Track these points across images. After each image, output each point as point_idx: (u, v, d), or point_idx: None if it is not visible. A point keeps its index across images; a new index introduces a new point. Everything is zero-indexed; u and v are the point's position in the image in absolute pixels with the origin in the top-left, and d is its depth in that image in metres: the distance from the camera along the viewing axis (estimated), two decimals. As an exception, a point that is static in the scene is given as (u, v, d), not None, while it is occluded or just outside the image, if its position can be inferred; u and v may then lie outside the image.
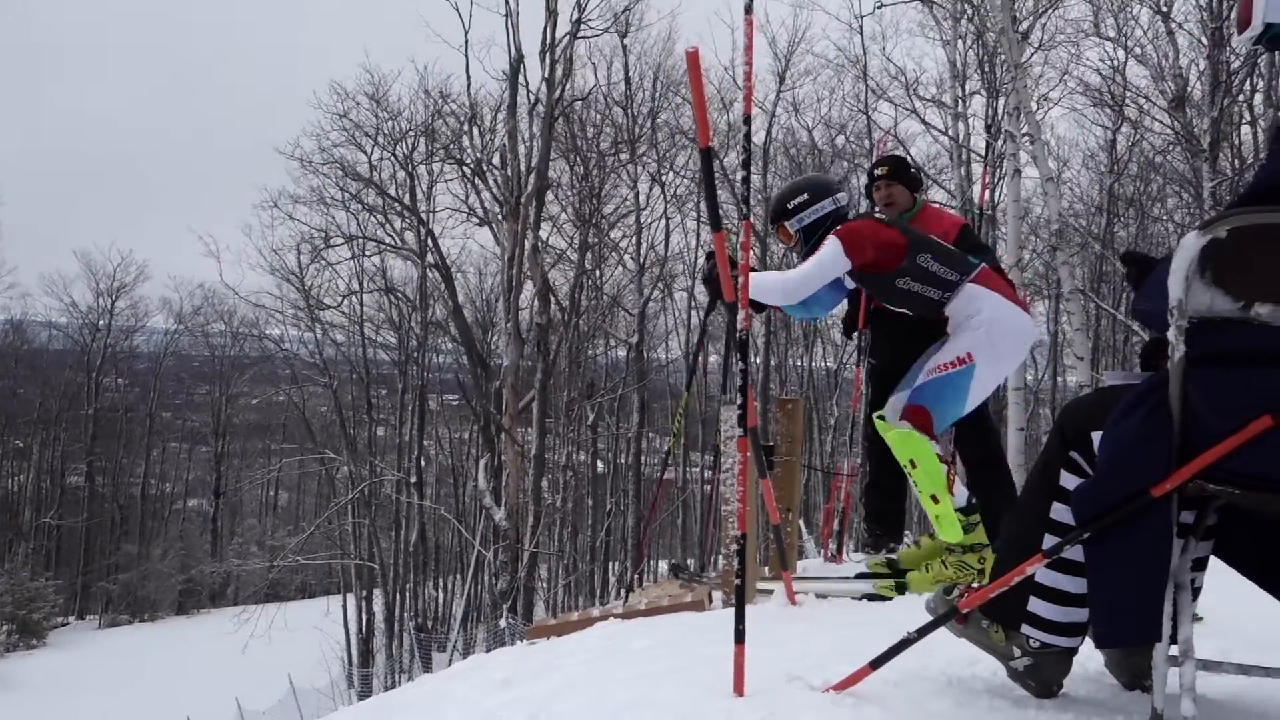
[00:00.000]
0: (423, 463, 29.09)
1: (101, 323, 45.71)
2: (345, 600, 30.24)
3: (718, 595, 4.01)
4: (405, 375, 29.55)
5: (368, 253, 26.67)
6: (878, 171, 4.14)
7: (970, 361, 3.26)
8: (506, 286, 18.61)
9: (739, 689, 2.09)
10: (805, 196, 3.70)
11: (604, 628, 3.40)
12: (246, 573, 33.98)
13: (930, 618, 1.96)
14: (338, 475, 30.43)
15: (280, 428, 46.69)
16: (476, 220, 23.90)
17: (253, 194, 79.75)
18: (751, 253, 2.49)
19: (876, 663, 1.95)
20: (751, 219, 2.53)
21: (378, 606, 29.02)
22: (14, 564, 35.29)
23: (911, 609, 2.71)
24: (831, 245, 3.36)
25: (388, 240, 26.32)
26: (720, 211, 2.72)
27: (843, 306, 4.44)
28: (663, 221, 25.20)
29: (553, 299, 20.39)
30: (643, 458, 25.61)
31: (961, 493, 3.90)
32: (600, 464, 27.04)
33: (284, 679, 22.22)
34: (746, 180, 2.39)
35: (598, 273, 24.29)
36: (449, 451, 34.09)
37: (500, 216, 20.24)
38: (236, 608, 37.75)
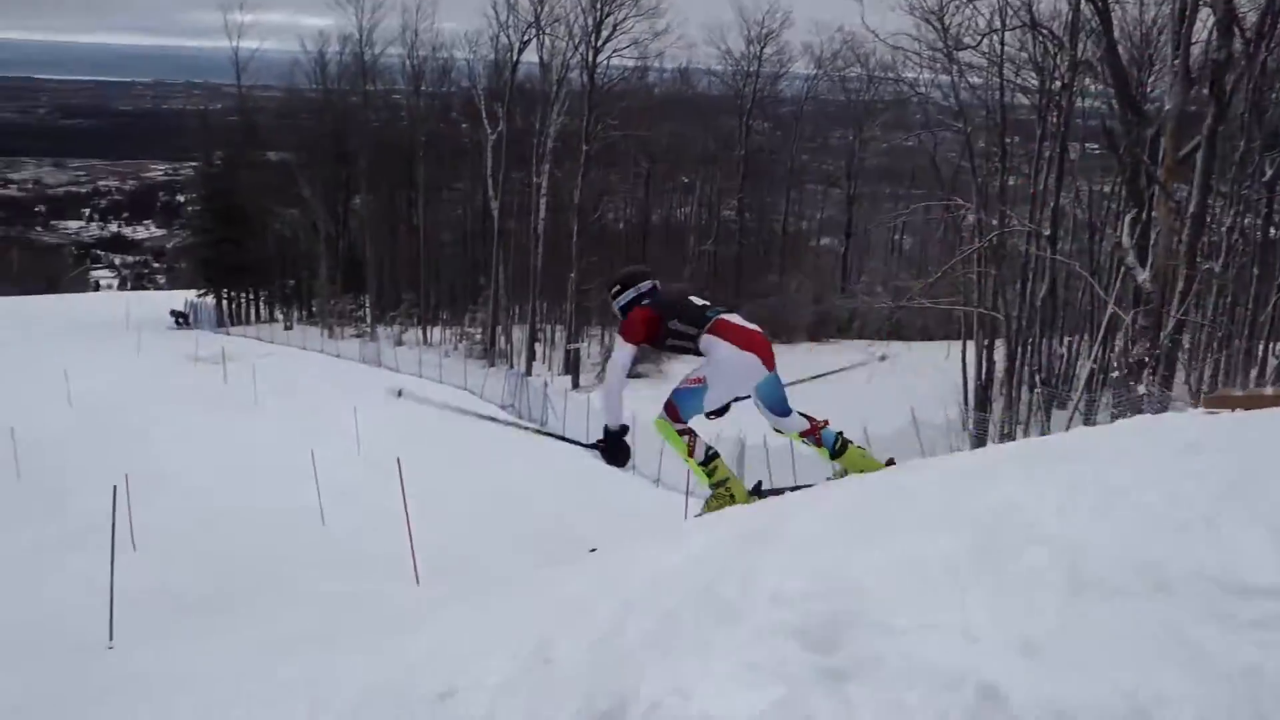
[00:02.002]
0: (1057, 215, 28.88)
1: (751, 69, 51.34)
2: (965, 347, 32.31)
3: None
4: (1044, 121, 29.02)
5: (1015, -15, 25.96)
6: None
7: (702, 383, 4.97)
8: (1176, 16, 17.30)
9: None
10: (618, 287, 5.21)
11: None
12: (872, 310, 37.66)
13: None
14: (964, 223, 31.54)
15: (909, 173, 48.90)
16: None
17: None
18: None
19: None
20: None
21: (998, 356, 30.53)
22: (682, 283, 43.37)
23: None
24: (616, 341, 5.10)
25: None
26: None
27: None
28: None
29: (1236, 30, 18.31)
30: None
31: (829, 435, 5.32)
32: (1275, 229, 24.33)
33: (904, 410, 25.03)
34: None
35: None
36: (1087, 205, 33.07)
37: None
38: (862, 340, 42.53)
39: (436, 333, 47.86)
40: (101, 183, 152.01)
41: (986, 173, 31.28)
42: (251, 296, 56.12)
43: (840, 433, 5.37)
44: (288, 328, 49.60)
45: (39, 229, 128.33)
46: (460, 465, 20.66)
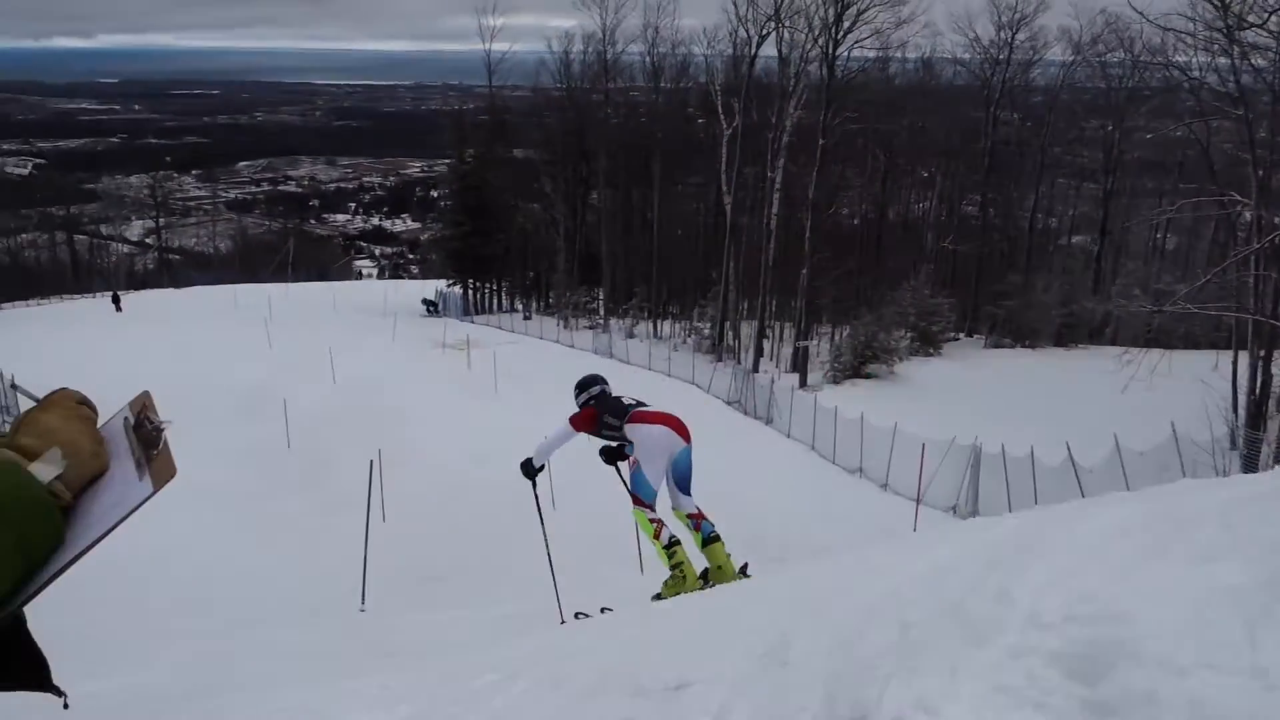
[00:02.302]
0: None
1: (1001, 56, 48.76)
2: (1236, 357, 29.35)
3: None
4: (1350, 105, 25.80)
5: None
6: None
7: (637, 464, 6.38)
8: None
9: None
10: (577, 391, 7.32)
11: None
12: (1128, 315, 34.95)
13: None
14: (1240, 220, 28.66)
15: (1176, 166, 44.93)
16: None
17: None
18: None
19: None
20: None
21: (1276, 368, 27.57)
22: (917, 281, 41.97)
23: None
24: (563, 423, 7.01)
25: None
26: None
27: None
28: None
29: None
30: None
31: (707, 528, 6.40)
32: None
33: (1164, 425, 23.09)
34: None
35: None
36: (1394, 201, 29.13)
37: None
38: (1116, 348, 39.47)
39: (666, 326, 48.75)
40: (366, 179, 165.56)
41: (1269, 165, 28.25)
42: (495, 287, 59.34)
43: (714, 529, 6.48)
44: (526, 318, 52.07)
45: (312, 221, 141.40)
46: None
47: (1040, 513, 4.25)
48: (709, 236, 50.30)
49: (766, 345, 42.61)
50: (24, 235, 74.34)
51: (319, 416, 22.82)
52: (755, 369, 36.81)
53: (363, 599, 10.86)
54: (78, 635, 9.74)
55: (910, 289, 40.59)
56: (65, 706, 1.30)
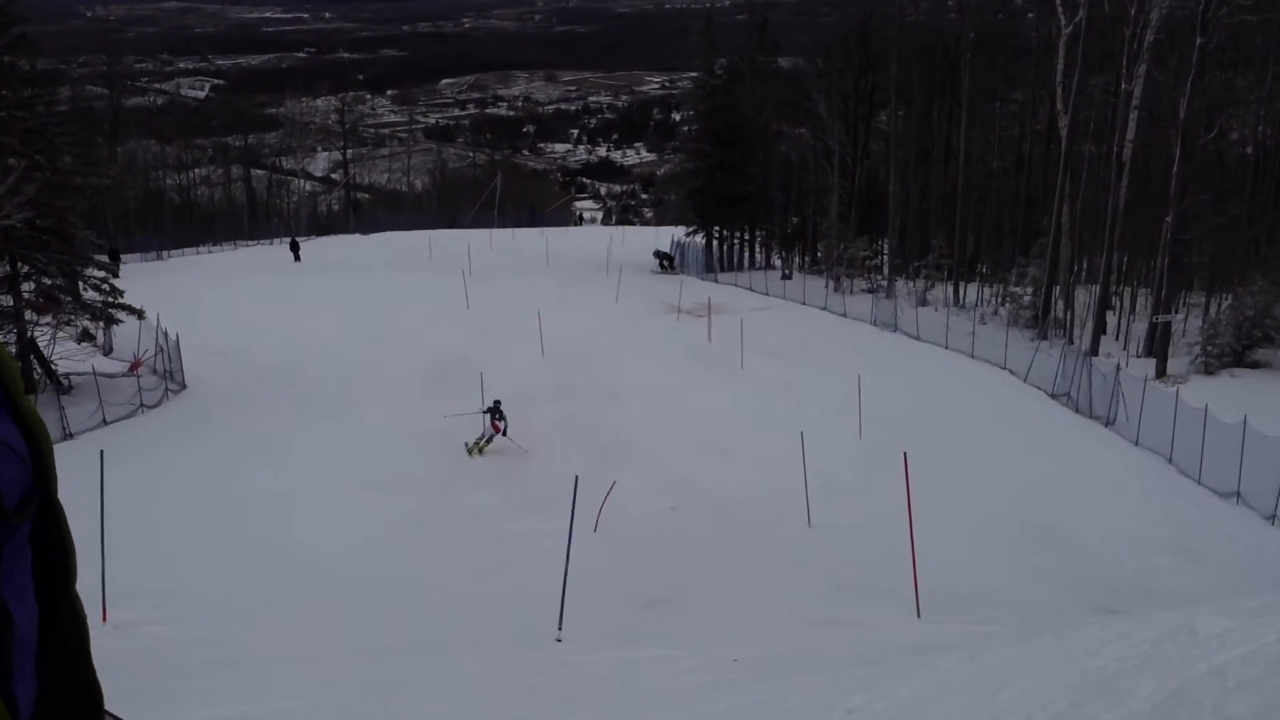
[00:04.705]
0: None
1: None
2: None
3: None
4: None
5: None
6: None
7: None
8: None
9: None
10: None
11: None
12: None
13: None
14: None
15: None
16: None
17: None
18: None
19: None
20: None
21: None
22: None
23: None
24: None
25: None
26: None
27: None
28: None
29: None
30: None
31: None
32: None
33: None
34: None
35: None
36: None
37: None
38: None
39: (972, 291, 47.35)
40: (592, 99, 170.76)
41: None
42: (746, 237, 59.61)
43: None
44: (786, 276, 52.04)
45: (525, 153, 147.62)
46: (978, 464, 20.35)
47: None
48: (1035, 171, 48.27)
49: (1110, 319, 40.53)
50: (197, 169, 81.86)
51: (522, 395, 23.80)
52: (1093, 351, 35.07)
53: (559, 626, 11.27)
54: (214, 649, 10.74)
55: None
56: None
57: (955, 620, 11.70)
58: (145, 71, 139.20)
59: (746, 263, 58.30)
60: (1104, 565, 15.21)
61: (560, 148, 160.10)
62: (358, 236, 69.48)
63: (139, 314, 27.11)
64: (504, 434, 21.60)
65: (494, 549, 15.39)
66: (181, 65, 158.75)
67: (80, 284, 26.97)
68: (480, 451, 21.60)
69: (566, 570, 11.44)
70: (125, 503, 13.78)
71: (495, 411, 21.70)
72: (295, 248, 54.29)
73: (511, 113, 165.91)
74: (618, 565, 13.89)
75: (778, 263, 57.17)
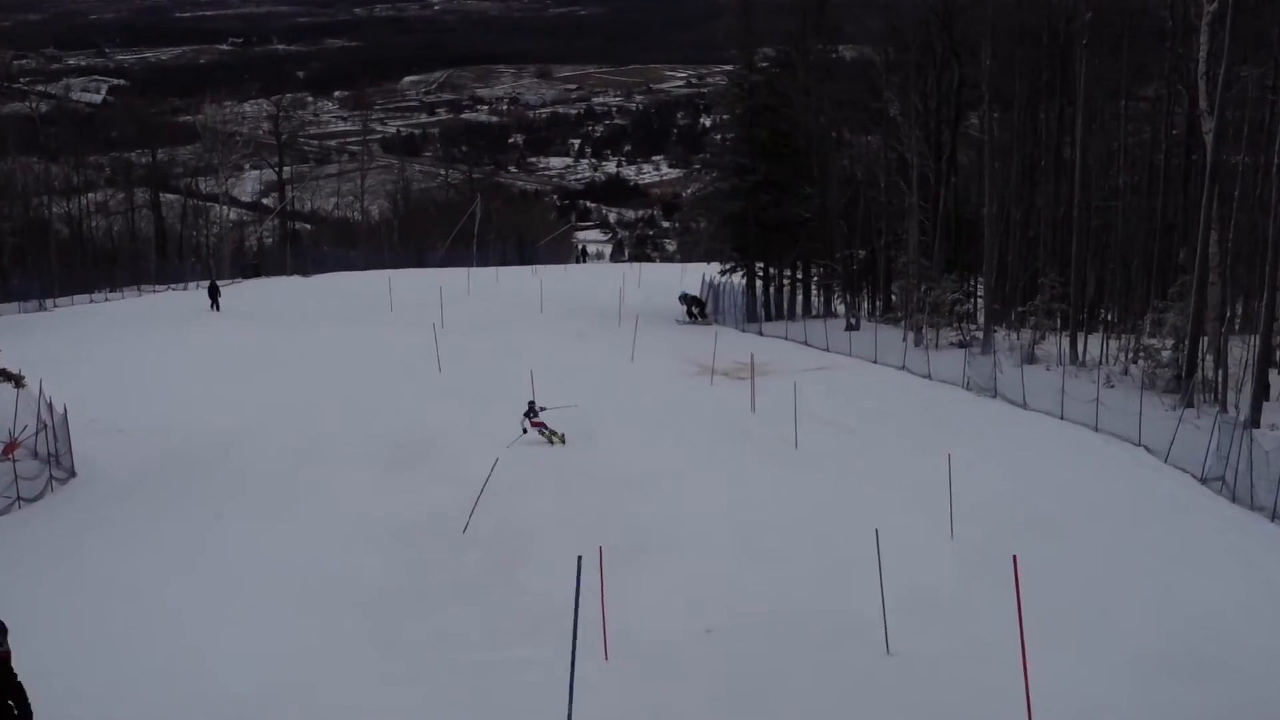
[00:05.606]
0: None
1: None
2: None
3: None
4: None
5: None
6: None
7: None
8: None
9: None
10: None
11: None
12: None
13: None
14: None
15: None
16: None
17: None
18: None
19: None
20: None
21: None
22: None
23: None
24: None
25: None
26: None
27: None
28: None
29: None
30: None
31: None
32: None
33: None
34: None
35: None
36: None
37: None
38: None
39: (1094, 344, 47.16)
40: (598, 100, 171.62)
41: None
42: (799, 276, 59.61)
43: None
44: (852, 327, 51.96)
45: (512, 170, 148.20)
46: (1108, 572, 20.10)
47: None
48: (1172, 189, 48.14)
49: (1275, 379, 40.34)
50: (90, 195, 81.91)
51: (508, 483, 23.68)
52: (1254, 422, 34.82)
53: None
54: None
55: None
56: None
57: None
58: (26, 70, 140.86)
59: (800, 309, 58.32)
60: (1273, 695, 14.96)
61: (557, 163, 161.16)
62: (297, 279, 69.91)
63: (15, 380, 27.09)
64: (542, 428, 28.16)
65: (472, 684, 15.21)
66: (72, 62, 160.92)
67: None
68: (561, 440, 28.17)
69: (570, 710, 11.31)
70: (-6, 626, 13.67)
71: (531, 412, 27.69)
72: (215, 293, 54.52)
73: (494, 119, 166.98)
74: (637, 707, 13.71)
75: (841, 309, 57.10)
